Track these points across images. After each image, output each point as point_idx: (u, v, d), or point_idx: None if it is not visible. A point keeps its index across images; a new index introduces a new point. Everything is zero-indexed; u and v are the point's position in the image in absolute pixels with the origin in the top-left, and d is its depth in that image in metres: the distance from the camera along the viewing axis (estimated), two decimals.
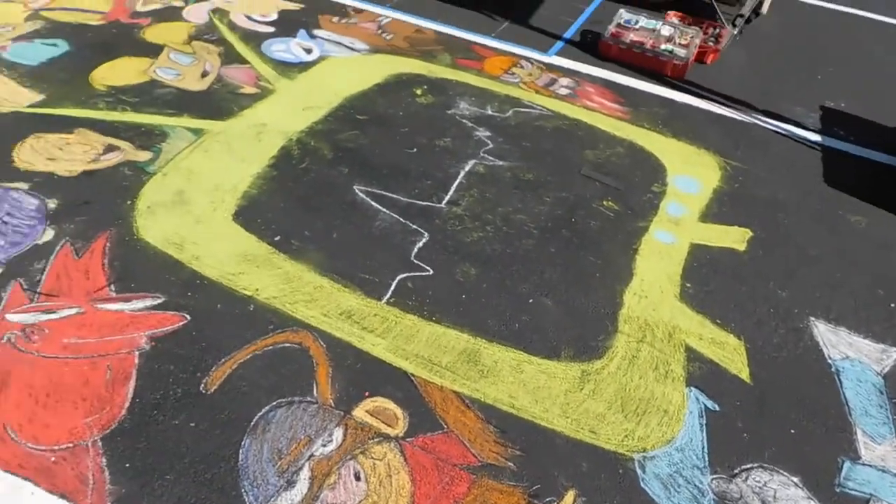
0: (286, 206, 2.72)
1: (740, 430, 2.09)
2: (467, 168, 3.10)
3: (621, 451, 1.99)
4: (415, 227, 2.70)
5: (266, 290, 2.31)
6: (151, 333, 2.12)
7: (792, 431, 2.11)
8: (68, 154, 2.81)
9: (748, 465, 2.00)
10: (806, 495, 1.95)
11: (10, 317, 2.12)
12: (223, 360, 2.06)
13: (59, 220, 2.49)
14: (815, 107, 4.09)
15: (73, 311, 2.17)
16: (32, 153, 2.78)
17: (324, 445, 1.87)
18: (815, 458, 2.05)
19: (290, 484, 1.78)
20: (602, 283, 2.59)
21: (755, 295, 2.63)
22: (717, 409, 2.15)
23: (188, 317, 2.19)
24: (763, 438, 2.08)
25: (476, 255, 2.61)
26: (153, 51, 3.68)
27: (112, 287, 2.26)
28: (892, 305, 2.64)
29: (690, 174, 3.32)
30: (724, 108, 3.99)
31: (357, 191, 2.85)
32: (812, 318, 2.55)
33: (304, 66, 3.75)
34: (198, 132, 3.07)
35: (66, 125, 2.99)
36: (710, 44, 4.54)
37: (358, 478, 1.81)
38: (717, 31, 4.66)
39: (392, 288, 2.40)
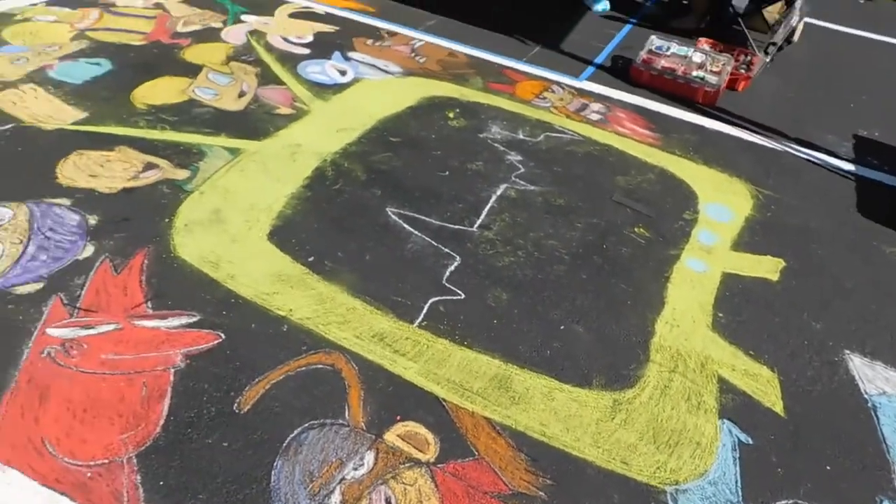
0: (320, 226, 2.75)
1: (774, 464, 2.06)
2: (499, 192, 3.12)
3: (653, 483, 1.97)
4: (447, 250, 2.71)
5: (299, 311, 2.33)
6: (186, 351, 2.15)
7: (828, 468, 2.08)
8: (109, 171, 2.87)
9: (783, 501, 1.97)
10: None
11: (51, 331, 2.16)
12: (257, 379, 2.08)
13: (100, 237, 2.54)
14: (848, 135, 4.06)
15: (112, 327, 2.20)
16: (75, 170, 2.85)
17: (355, 469, 1.88)
18: (853, 497, 2.01)
19: None
20: (633, 310, 2.57)
21: (788, 326, 2.60)
22: (751, 442, 2.12)
23: (223, 335, 2.22)
24: (798, 474, 2.04)
25: (507, 280, 2.61)
26: (192, 71, 3.76)
27: (149, 304, 2.30)
28: None
29: (722, 202, 3.30)
30: (755, 135, 3.97)
31: (390, 213, 2.88)
32: (847, 352, 2.51)
33: (338, 88, 3.80)
34: (234, 151, 3.13)
35: (107, 143, 3.06)
36: (742, 71, 4.53)
37: (389, 503, 1.81)
38: (749, 58, 4.65)
39: (424, 311, 2.41)
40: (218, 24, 4.35)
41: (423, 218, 2.87)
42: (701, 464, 2.03)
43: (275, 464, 1.87)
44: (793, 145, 3.92)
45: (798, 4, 4.92)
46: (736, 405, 2.24)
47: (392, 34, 4.60)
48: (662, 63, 4.39)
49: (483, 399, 2.12)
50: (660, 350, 2.41)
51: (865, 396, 2.34)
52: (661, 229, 3.04)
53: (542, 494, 1.89)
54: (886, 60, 5.28)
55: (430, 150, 3.35)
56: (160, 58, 3.85)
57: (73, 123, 3.16)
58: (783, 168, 3.68)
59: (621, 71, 4.54)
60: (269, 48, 4.14)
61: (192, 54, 3.93)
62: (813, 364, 2.44)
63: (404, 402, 2.07)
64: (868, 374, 2.42)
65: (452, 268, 2.63)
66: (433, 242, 2.75)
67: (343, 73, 3.96)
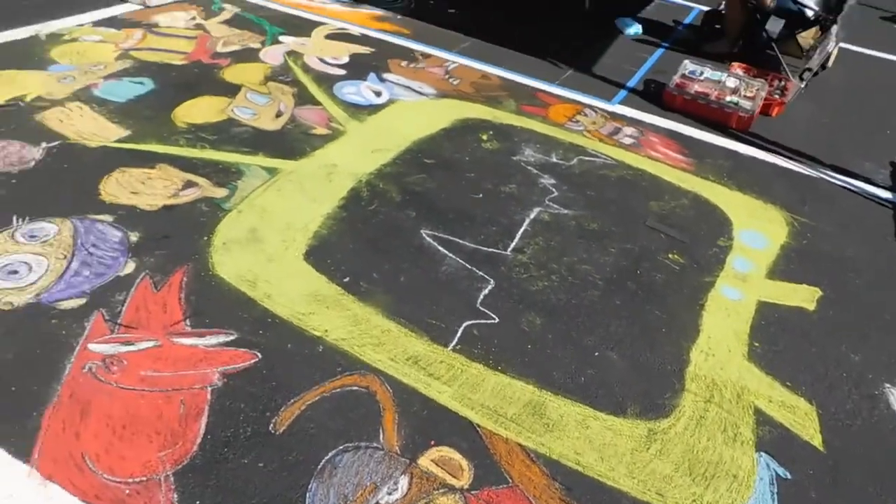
0: (355, 247, 2.77)
1: (814, 500, 2.02)
2: (532, 215, 3.12)
3: None
4: (480, 273, 2.72)
5: (335, 332, 2.35)
6: (224, 370, 2.18)
7: None
8: (150, 188, 2.93)
9: None
10: None
11: (93, 346, 2.20)
12: (292, 400, 2.10)
13: (140, 253, 2.59)
14: (884, 162, 4.01)
15: (151, 343, 2.24)
16: (117, 186, 2.91)
17: (389, 494, 1.88)
18: None
19: None
20: (668, 338, 2.56)
21: (826, 357, 2.56)
22: (789, 476, 2.08)
23: (259, 355, 2.24)
24: None
25: (541, 304, 2.61)
26: (231, 90, 3.83)
27: (188, 321, 2.33)
28: None
29: (757, 229, 3.28)
30: (790, 161, 3.94)
31: (424, 234, 2.89)
32: (888, 385, 2.46)
33: (373, 109, 3.85)
34: (271, 171, 3.18)
35: (148, 160, 3.12)
36: (776, 96, 4.50)
37: None
38: (783, 83, 4.63)
39: (458, 335, 2.41)
40: (256, 45, 4.44)
41: (457, 240, 2.89)
42: (738, 498, 2.00)
43: (310, 486, 1.88)
44: (828, 172, 3.88)
45: (834, 30, 4.89)
46: (773, 438, 2.20)
47: (426, 56, 4.65)
48: (696, 88, 4.38)
49: (517, 425, 2.11)
50: (695, 379, 2.39)
51: None
52: (696, 255, 3.02)
53: None
54: None
55: (464, 172, 3.37)
56: (200, 77, 3.94)
57: (117, 141, 3.23)
58: (819, 195, 3.64)
59: (654, 95, 4.53)
60: (306, 69, 4.21)
61: (232, 74, 4.01)
62: (852, 397, 2.40)
63: (438, 427, 2.07)
64: None
65: (486, 291, 2.64)
66: (467, 265, 2.76)
67: (378, 94, 4.01)
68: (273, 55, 4.32)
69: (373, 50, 4.63)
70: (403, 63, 4.48)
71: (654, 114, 4.29)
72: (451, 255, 2.80)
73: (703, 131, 4.15)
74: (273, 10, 5.17)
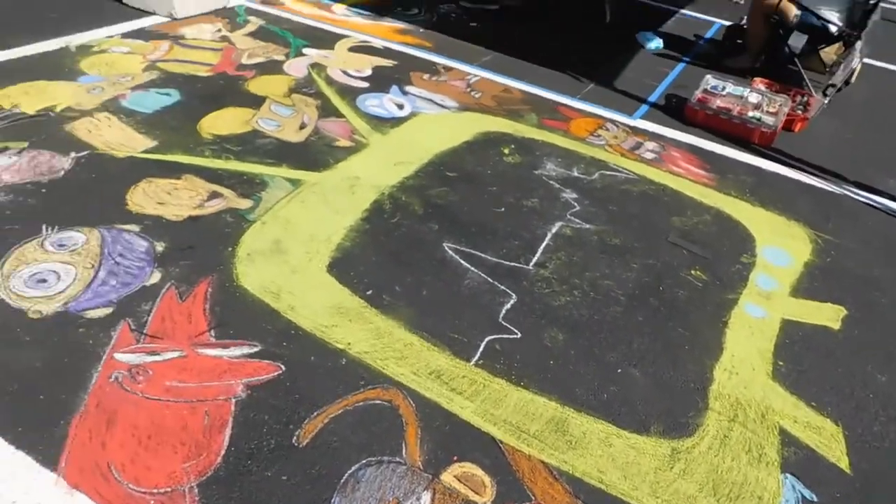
0: (378, 259, 2.79)
1: None
2: (554, 230, 3.12)
3: None
4: (503, 287, 2.72)
5: (357, 345, 2.36)
6: (248, 381, 2.19)
7: None
8: (176, 199, 2.97)
9: None
10: None
11: (119, 356, 2.22)
12: (315, 413, 2.11)
13: (166, 263, 2.61)
14: None
15: (176, 354, 2.26)
16: (144, 197, 2.95)
17: None
18: None
19: None
20: (691, 355, 2.54)
21: (852, 378, 2.53)
22: (815, 499, 2.06)
23: (283, 367, 2.25)
24: None
25: (564, 320, 2.61)
26: (256, 102, 3.88)
27: (212, 332, 2.35)
28: None
29: (780, 246, 3.25)
30: (813, 177, 3.91)
31: (446, 248, 2.90)
32: None
33: (396, 122, 3.87)
34: (295, 182, 3.20)
35: (174, 171, 3.16)
36: (799, 112, 4.48)
37: None
38: (805, 98, 4.60)
39: (480, 349, 2.41)
40: (281, 57, 4.49)
41: (479, 254, 2.89)
42: None
43: (332, 500, 1.88)
44: (852, 188, 3.85)
45: (858, 46, 4.86)
46: (799, 459, 2.18)
47: (448, 69, 4.68)
48: (718, 103, 4.36)
49: (540, 442, 2.11)
50: (718, 398, 2.37)
51: None
52: (718, 272, 3.00)
53: None
54: None
55: (486, 186, 3.38)
56: (226, 89, 3.98)
57: (143, 151, 3.28)
58: (843, 212, 3.61)
59: (675, 110, 4.53)
60: (330, 81, 4.25)
61: (256, 86, 4.05)
62: (879, 419, 2.37)
63: (461, 442, 2.07)
64: None
65: (508, 306, 2.64)
66: (489, 279, 2.76)
67: (401, 106, 4.04)
68: (297, 67, 4.37)
69: (395, 63, 4.66)
70: (426, 76, 4.51)
71: (676, 129, 4.28)
72: (473, 268, 2.81)
73: (725, 146, 4.13)
74: (297, 22, 5.23)
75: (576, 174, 3.59)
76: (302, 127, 3.68)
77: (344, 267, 2.72)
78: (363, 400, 2.17)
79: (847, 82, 5.04)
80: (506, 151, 3.71)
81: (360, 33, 5.14)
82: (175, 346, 2.28)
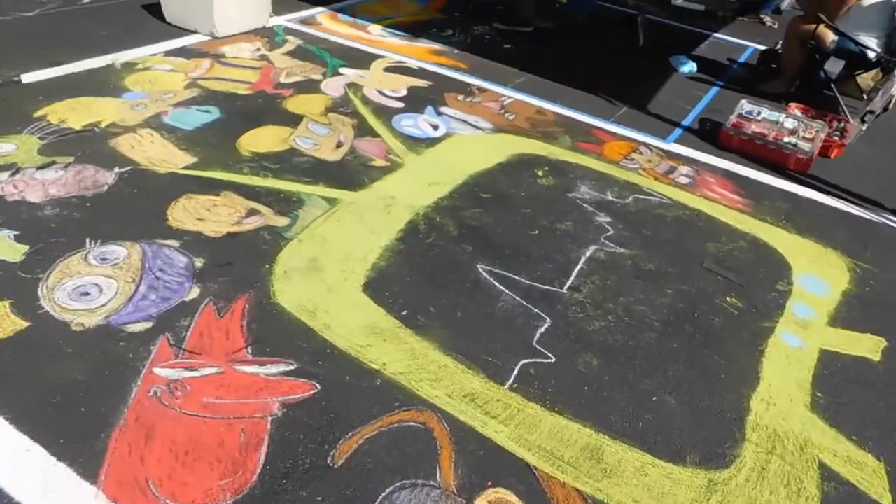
0: (412, 280, 2.80)
1: None
2: (588, 254, 3.12)
3: None
4: (536, 311, 2.72)
5: (392, 365, 2.37)
6: (283, 400, 2.21)
7: None
8: (215, 215, 3.02)
9: None
10: None
11: (158, 370, 2.26)
12: (350, 433, 2.11)
13: (205, 279, 2.65)
14: None
15: (214, 370, 2.28)
16: (184, 212, 3.00)
17: None
18: None
19: None
20: (727, 384, 2.51)
21: (894, 411, 2.48)
22: None
23: (318, 386, 2.27)
24: None
25: (598, 345, 2.59)
26: (293, 120, 3.94)
27: (249, 349, 2.38)
28: None
29: (817, 274, 3.21)
30: (850, 205, 3.86)
31: (480, 269, 2.91)
32: None
33: (430, 142, 3.91)
34: (331, 201, 3.24)
35: (214, 187, 3.21)
36: (836, 138, 4.43)
37: None
38: (842, 125, 4.56)
39: (515, 373, 2.41)
40: (318, 77, 4.56)
41: (513, 276, 2.89)
42: None
43: None
44: (891, 217, 3.79)
45: None
46: (840, 495, 2.13)
47: (482, 90, 4.71)
48: (753, 128, 4.33)
49: (575, 469, 2.09)
50: (756, 429, 2.33)
51: None
52: (754, 300, 2.97)
53: None
54: None
55: (520, 208, 3.39)
56: (264, 107, 4.05)
57: (184, 168, 3.34)
58: (881, 241, 3.56)
59: (709, 134, 4.51)
60: (366, 101, 4.30)
61: (294, 104, 4.12)
62: None
63: (495, 467, 2.06)
64: None
65: (542, 329, 2.63)
66: (523, 302, 2.76)
67: (435, 127, 4.07)
68: (334, 87, 4.43)
69: (430, 83, 4.71)
70: (460, 97, 4.55)
71: (710, 153, 4.26)
72: (507, 291, 2.81)
73: (760, 172, 4.10)
74: (334, 42, 5.31)
75: (610, 197, 3.59)
76: (338, 146, 3.72)
77: (379, 287, 2.74)
78: (398, 421, 2.17)
79: (885, 109, 4.97)
80: (539, 173, 3.72)
81: (395, 54, 5.20)
82: (213, 362, 2.31)
